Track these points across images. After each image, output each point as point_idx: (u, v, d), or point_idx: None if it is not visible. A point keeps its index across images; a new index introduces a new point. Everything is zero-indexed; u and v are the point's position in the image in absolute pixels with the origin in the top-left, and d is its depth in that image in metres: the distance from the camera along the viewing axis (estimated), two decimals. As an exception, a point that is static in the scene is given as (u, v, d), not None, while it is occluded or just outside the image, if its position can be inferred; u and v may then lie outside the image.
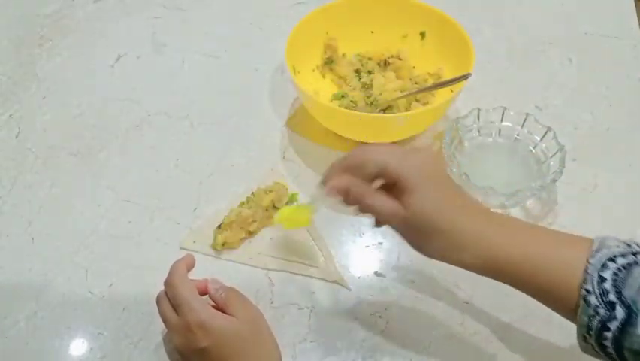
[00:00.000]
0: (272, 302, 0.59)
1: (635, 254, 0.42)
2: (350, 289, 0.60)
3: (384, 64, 0.77)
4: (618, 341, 0.40)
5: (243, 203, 0.64)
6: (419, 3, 0.74)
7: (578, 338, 0.43)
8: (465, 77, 0.66)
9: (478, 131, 0.70)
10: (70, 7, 0.93)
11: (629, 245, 0.43)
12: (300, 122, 0.76)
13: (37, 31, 0.89)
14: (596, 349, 0.42)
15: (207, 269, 0.60)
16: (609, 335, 0.40)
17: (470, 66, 0.67)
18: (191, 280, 0.53)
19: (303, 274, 0.61)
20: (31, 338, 0.57)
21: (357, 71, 0.77)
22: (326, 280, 0.61)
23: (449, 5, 0.73)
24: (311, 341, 0.57)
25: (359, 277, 0.61)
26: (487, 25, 0.87)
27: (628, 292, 0.40)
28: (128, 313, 0.59)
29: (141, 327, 0.58)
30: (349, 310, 0.59)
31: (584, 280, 0.41)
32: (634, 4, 0.90)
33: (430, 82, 0.74)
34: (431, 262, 0.61)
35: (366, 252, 0.63)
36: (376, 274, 0.61)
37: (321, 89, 0.77)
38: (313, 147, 0.73)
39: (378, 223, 0.50)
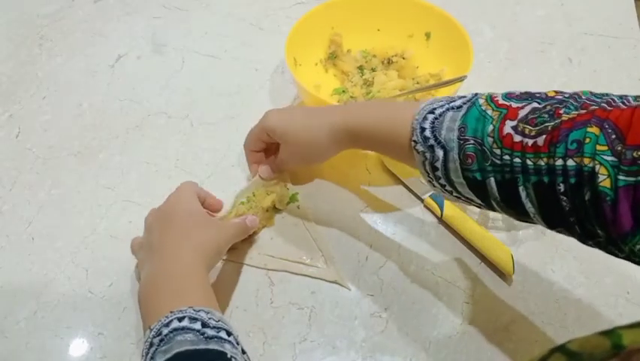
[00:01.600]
0: (272, 302, 0.59)
1: (449, 102, 0.48)
2: (350, 289, 0.60)
3: (388, 62, 0.77)
4: (447, 175, 0.47)
5: (243, 203, 0.64)
6: (426, 4, 0.75)
7: (428, 184, 0.51)
8: (461, 79, 0.66)
9: (478, 131, 0.70)
10: (70, 7, 0.93)
11: (453, 100, 0.49)
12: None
13: (37, 31, 0.89)
14: (443, 191, 0.50)
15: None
16: (439, 173, 0.48)
17: (468, 68, 0.67)
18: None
19: (303, 274, 0.61)
20: (31, 338, 0.57)
21: (361, 68, 0.78)
22: (326, 280, 0.61)
23: (450, 5, 0.73)
24: (311, 341, 0.57)
25: (359, 277, 0.61)
26: (488, 25, 0.88)
27: (441, 135, 0.47)
28: (128, 313, 0.59)
29: (141, 327, 0.57)
30: (349, 311, 0.59)
31: (412, 134, 0.49)
32: (634, 4, 0.90)
33: (432, 82, 0.74)
34: (431, 262, 0.62)
35: (366, 252, 0.63)
36: (376, 274, 0.61)
37: (322, 83, 0.77)
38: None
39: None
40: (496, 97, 0.46)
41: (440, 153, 0.47)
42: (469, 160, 0.45)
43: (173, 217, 0.56)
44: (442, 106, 0.49)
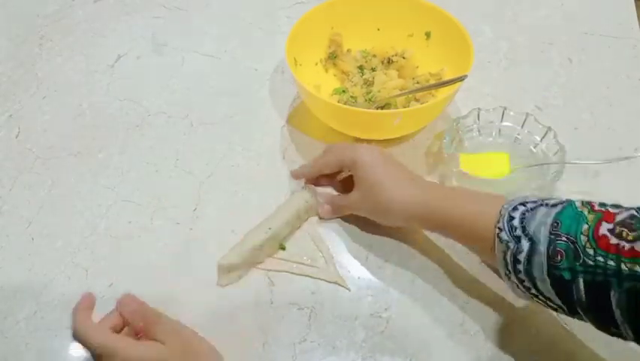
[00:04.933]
0: (272, 302, 0.59)
1: (543, 200, 0.47)
2: (350, 290, 0.60)
3: (388, 62, 0.78)
4: (528, 270, 0.45)
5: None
6: (426, 3, 0.74)
7: (504, 279, 0.49)
8: (461, 79, 0.66)
9: (478, 131, 0.70)
10: (70, 7, 0.93)
11: (547, 198, 0.48)
12: (300, 120, 0.76)
13: (37, 31, 0.89)
14: (519, 287, 0.47)
15: (209, 270, 0.60)
16: (520, 266, 0.46)
17: (468, 68, 0.67)
18: (103, 318, 0.50)
19: (303, 274, 0.61)
20: (31, 338, 0.57)
21: (361, 68, 0.78)
22: (326, 281, 0.61)
23: (450, 5, 0.73)
24: (311, 341, 0.57)
25: (359, 277, 0.61)
26: (488, 25, 0.88)
27: (531, 227, 0.45)
28: (128, 313, 0.59)
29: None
30: (349, 310, 0.59)
31: (497, 220, 0.48)
32: (634, 4, 0.90)
33: (432, 82, 0.74)
34: (431, 263, 0.62)
35: (366, 252, 0.63)
36: (376, 274, 0.61)
37: (323, 83, 0.77)
38: (313, 146, 0.73)
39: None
40: (593, 202, 0.45)
41: (526, 245, 0.45)
42: (559, 257, 0.43)
43: None
44: (534, 201, 0.48)
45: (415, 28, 0.77)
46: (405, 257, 0.62)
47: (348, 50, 0.79)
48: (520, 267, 0.46)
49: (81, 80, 0.82)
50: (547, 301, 0.46)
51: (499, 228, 0.47)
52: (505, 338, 0.56)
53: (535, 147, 0.68)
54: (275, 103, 0.78)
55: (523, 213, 0.47)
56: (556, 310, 0.46)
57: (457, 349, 0.56)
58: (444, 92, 0.70)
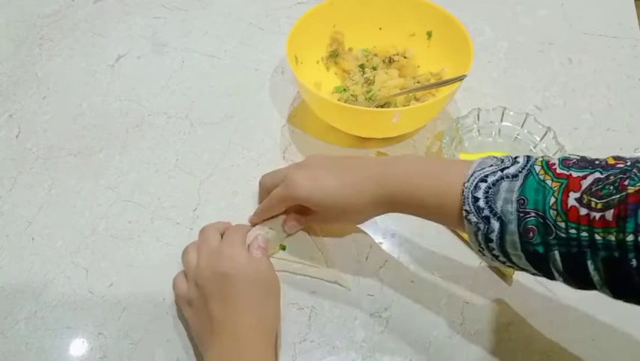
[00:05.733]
0: (272, 302, 0.59)
1: (502, 170, 0.46)
2: (350, 290, 0.60)
3: (389, 61, 0.78)
4: (502, 247, 0.46)
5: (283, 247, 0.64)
6: (427, 2, 0.74)
7: (477, 254, 0.49)
8: (460, 79, 0.66)
9: (478, 131, 0.70)
10: (70, 7, 0.93)
11: (502, 160, 0.48)
12: (300, 120, 0.76)
13: (37, 31, 0.89)
14: (492, 258, 0.48)
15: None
16: (493, 245, 0.46)
17: (469, 68, 0.67)
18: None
19: (303, 274, 0.61)
20: (31, 338, 0.57)
21: (362, 66, 0.78)
22: (326, 281, 0.61)
23: (450, 5, 0.73)
24: (311, 341, 0.57)
25: (359, 277, 0.61)
26: (488, 25, 0.88)
27: (497, 206, 0.45)
28: (128, 313, 0.59)
29: (141, 327, 0.58)
30: (349, 310, 0.59)
31: (463, 203, 0.47)
32: (634, 4, 0.90)
33: (432, 81, 0.74)
34: (431, 263, 0.62)
35: (366, 252, 0.63)
36: (376, 274, 0.61)
37: (323, 81, 0.77)
38: (314, 145, 0.73)
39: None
40: (553, 164, 0.45)
41: (496, 225, 0.45)
42: (531, 234, 0.43)
43: (235, 287, 0.53)
44: (493, 173, 0.47)
45: (416, 27, 0.77)
46: (405, 257, 0.62)
47: (350, 49, 0.80)
48: (493, 245, 0.46)
49: (81, 80, 0.83)
50: (525, 271, 0.47)
51: (465, 210, 0.47)
52: (505, 338, 0.56)
53: (535, 147, 0.68)
54: (275, 103, 0.78)
55: (486, 191, 0.46)
56: (534, 275, 0.47)
57: (457, 349, 0.56)
58: (443, 92, 0.70)
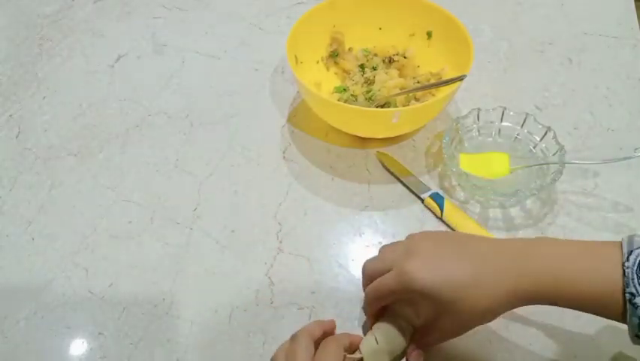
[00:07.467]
0: (272, 302, 0.59)
1: None
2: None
3: (389, 61, 0.78)
4: None
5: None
6: (427, 2, 0.74)
7: (631, 337, 0.44)
8: (460, 78, 0.66)
9: (478, 131, 0.70)
10: (70, 7, 0.93)
11: None
12: (300, 120, 0.76)
13: (37, 31, 0.89)
14: None
15: (209, 270, 0.60)
16: None
17: (468, 68, 0.67)
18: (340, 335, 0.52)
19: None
20: (31, 338, 0.57)
21: (362, 66, 0.78)
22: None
23: (449, 5, 0.73)
24: (311, 341, 0.57)
25: (359, 277, 0.61)
26: (488, 25, 0.88)
27: None
28: (128, 313, 0.59)
29: (141, 327, 0.58)
30: (349, 310, 0.59)
31: (626, 285, 0.42)
32: (634, 4, 0.90)
33: (432, 81, 0.74)
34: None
35: (366, 251, 0.63)
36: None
37: (323, 81, 0.77)
38: (314, 145, 0.73)
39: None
40: None
41: None
42: None
43: None
44: None
45: (416, 27, 0.77)
46: (405, 257, 0.62)
47: (350, 49, 0.80)
48: None
49: (81, 80, 0.83)
50: None
51: (630, 293, 0.42)
52: (504, 338, 0.56)
53: (534, 147, 0.68)
54: (275, 103, 0.78)
55: None
56: None
57: (457, 349, 0.56)
58: (443, 92, 0.70)
